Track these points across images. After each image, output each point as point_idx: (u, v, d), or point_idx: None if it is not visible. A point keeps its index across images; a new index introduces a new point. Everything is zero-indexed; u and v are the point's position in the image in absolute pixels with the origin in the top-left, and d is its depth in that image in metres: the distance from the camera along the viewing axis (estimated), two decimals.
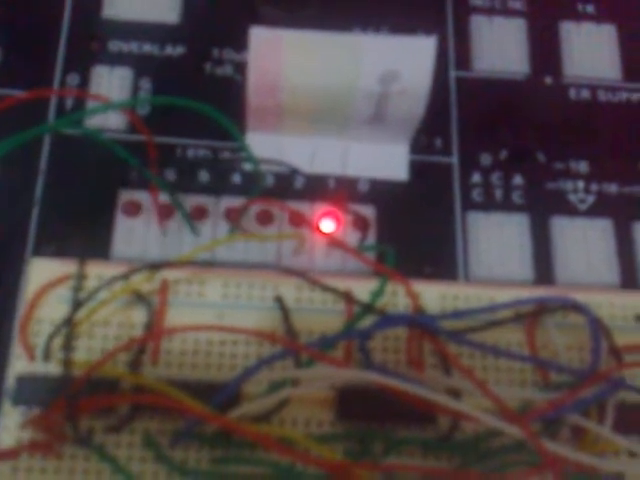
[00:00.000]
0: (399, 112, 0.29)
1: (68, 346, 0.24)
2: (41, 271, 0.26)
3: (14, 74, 0.31)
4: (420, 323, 0.24)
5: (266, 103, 0.28)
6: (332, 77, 0.28)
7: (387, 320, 0.24)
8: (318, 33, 0.27)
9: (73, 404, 0.22)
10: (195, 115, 0.27)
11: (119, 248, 0.28)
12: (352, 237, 0.29)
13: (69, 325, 0.24)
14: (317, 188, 0.30)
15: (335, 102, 0.28)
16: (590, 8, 0.34)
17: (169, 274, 0.26)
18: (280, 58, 0.27)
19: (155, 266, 0.25)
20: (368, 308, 0.25)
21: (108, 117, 0.30)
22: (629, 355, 0.26)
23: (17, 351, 0.25)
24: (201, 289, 0.26)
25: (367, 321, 0.26)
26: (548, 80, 0.32)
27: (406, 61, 0.27)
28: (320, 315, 0.26)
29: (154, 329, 0.25)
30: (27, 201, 0.28)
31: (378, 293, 0.26)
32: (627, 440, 0.24)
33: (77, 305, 0.24)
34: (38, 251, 0.28)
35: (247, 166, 0.30)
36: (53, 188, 0.29)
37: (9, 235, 0.28)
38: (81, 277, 0.25)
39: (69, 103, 0.30)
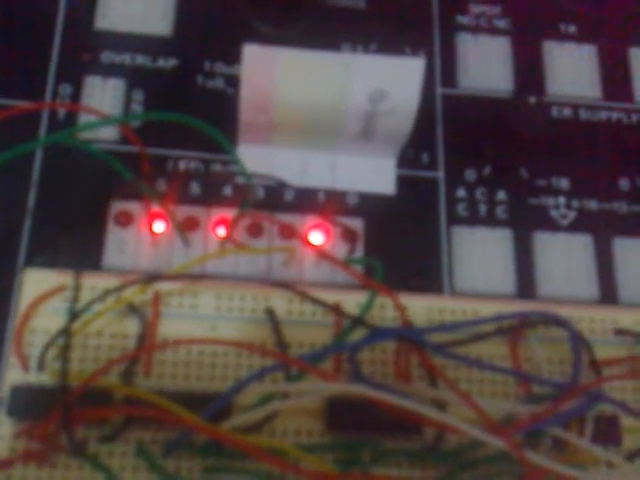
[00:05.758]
0: (387, 130, 0.29)
1: (65, 357, 0.24)
2: (36, 281, 0.26)
3: (6, 84, 0.31)
4: (408, 338, 0.25)
5: (258, 118, 0.29)
6: (323, 94, 0.28)
7: (377, 334, 0.25)
8: (310, 51, 0.28)
9: (69, 414, 0.23)
10: (186, 127, 0.28)
11: (111, 258, 0.28)
12: (341, 249, 0.30)
13: (66, 336, 0.24)
14: (306, 201, 0.30)
15: (325, 119, 0.29)
16: (572, 28, 0.35)
17: (162, 286, 0.26)
18: (272, 75, 0.28)
19: (149, 279, 0.26)
20: (357, 321, 0.26)
21: (100, 128, 0.30)
22: (608, 368, 0.27)
23: (11, 361, 0.25)
24: (194, 301, 0.27)
25: (356, 333, 0.26)
26: (531, 98, 0.33)
27: (395, 81, 0.28)
28: (310, 327, 0.27)
29: (147, 341, 0.26)
30: (19, 211, 0.29)
31: (367, 307, 0.26)
32: (605, 451, 0.25)
33: (74, 316, 0.25)
34: (30, 261, 0.28)
35: (238, 178, 0.30)
36: (45, 198, 0.29)
37: (1, 245, 0.28)
38: (77, 288, 0.26)
39: (61, 113, 0.31)
